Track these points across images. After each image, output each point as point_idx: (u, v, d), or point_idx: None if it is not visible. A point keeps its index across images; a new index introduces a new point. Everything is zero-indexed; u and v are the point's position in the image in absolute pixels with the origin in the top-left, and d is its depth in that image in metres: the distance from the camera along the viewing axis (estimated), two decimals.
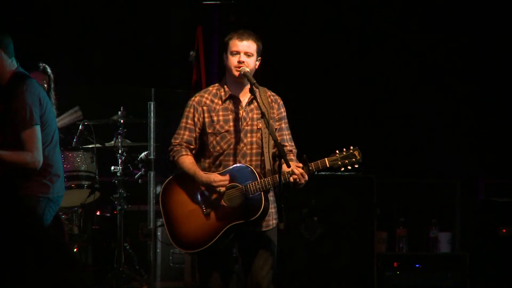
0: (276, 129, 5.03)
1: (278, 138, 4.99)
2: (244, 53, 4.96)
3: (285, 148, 5.01)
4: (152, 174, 6.91)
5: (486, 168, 7.90)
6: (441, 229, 7.69)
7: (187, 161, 4.96)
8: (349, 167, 4.92)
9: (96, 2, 8.00)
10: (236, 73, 4.95)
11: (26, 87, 5.05)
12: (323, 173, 7.35)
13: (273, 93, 5.09)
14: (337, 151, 4.93)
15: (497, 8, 7.90)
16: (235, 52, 4.96)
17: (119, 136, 7.08)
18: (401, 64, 8.13)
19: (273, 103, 5.05)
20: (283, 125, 5.08)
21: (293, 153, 5.07)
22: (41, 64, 6.34)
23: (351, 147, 4.94)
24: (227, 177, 4.88)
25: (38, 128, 5.05)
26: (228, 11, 7.82)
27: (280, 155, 4.73)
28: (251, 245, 4.97)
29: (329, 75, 8.14)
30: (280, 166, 4.74)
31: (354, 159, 4.91)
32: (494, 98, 8.02)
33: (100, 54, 8.03)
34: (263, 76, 7.49)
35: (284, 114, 5.09)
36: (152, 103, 7.08)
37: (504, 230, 7.50)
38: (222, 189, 4.87)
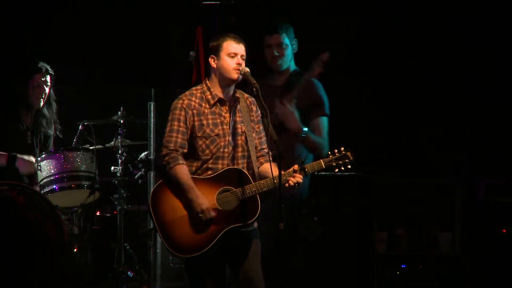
0: (256, 131, 5.06)
1: (257, 141, 5.07)
2: (241, 55, 5.00)
3: (263, 150, 5.10)
4: (152, 174, 6.92)
5: (486, 169, 7.90)
6: (441, 229, 7.69)
7: (184, 172, 4.93)
8: (343, 168, 5.07)
9: (97, 2, 8.00)
10: (236, 76, 4.98)
11: (317, 82, 5.78)
12: (323, 173, 7.34)
13: (250, 96, 5.13)
14: (330, 153, 5.05)
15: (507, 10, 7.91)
16: (233, 54, 4.98)
17: (119, 136, 7.08)
18: (401, 63, 8.13)
19: (252, 105, 5.10)
20: (261, 128, 5.14)
21: (270, 156, 5.10)
22: (41, 65, 6.35)
23: (342, 148, 5.08)
24: (215, 213, 4.88)
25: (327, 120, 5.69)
26: (228, 11, 7.81)
27: (280, 155, 4.76)
28: (237, 243, 5.00)
29: (328, 74, 8.13)
30: (279, 166, 4.77)
31: (347, 160, 5.05)
32: (494, 98, 8.02)
33: (100, 54, 8.03)
34: (263, 75, 7.50)
35: (260, 118, 5.13)
36: (152, 103, 7.08)
37: (504, 230, 7.50)
38: (202, 218, 4.87)
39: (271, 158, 5.01)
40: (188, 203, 4.91)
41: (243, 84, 5.11)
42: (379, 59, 8.16)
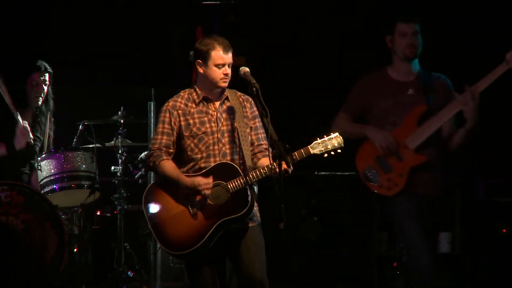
0: (251, 127, 5.08)
1: (254, 137, 5.08)
2: (228, 64, 5.03)
3: (261, 146, 5.09)
4: (152, 174, 6.92)
5: (486, 168, 7.90)
6: (441, 229, 7.69)
7: (168, 165, 4.98)
8: (332, 153, 4.99)
9: (97, 2, 8.00)
10: (224, 85, 5.04)
11: (446, 79, 5.78)
12: (323, 173, 7.36)
13: (243, 94, 5.14)
14: (319, 138, 5.00)
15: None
16: (221, 65, 5.01)
17: (119, 136, 7.08)
18: None
19: (245, 102, 5.11)
20: (257, 124, 5.13)
21: (268, 152, 5.07)
22: (40, 63, 6.35)
23: (331, 133, 5.00)
24: (210, 179, 4.91)
25: None
26: (228, 11, 7.82)
27: (280, 155, 4.76)
28: (239, 242, 4.99)
29: (328, 73, 8.14)
30: (280, 166, 4.76)
31: (336, 144, 4.98)
32: (494, 97, 8.01)
33: (101, 54, 8.03)
34: (263, 73, 7.50)
35: (257, 113, 5.13)
36: (152, 103, 7.09)
37: (504, 230, 7.50)
38: (207, 191, 4.90)
39: (271, 156, 5.00)
40: (181, 190, 4.94)
41: (243, 84, 5.11)
42: (379, 59, 8.15)
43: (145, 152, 7.12)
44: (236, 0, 7.71)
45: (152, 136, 6.84)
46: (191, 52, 7.04)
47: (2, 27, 7.79)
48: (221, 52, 5.01)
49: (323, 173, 7.34)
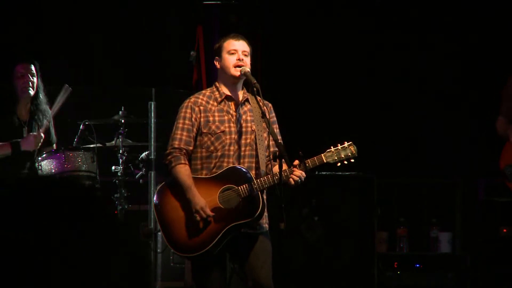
0: (268, 132, 5.05)
1: (271, 142, 5.03)
2: (242, 52, 4.98)
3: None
4: (152, 174, 6.92)
5: (487, 168, 7.89)
6: (442, 229, 7.69)
7: (184, 172, 4.92)
8: (345, 162, 4.98)
9: (97, 1, 8.00)
10: (237, 73, 4.96)
11: None
12: (324, 172, 7.35)
13: (262, 99, 5.06)
14: (332, 147, 4.97)
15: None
16: (232, 51, 4.98)
17: (120, 136, 7.07)
18: (402, 63, 8.13)
19: (264, 107, 5.03)
20: (275, 130, 5.07)
21: (270, 154, 5.05)
22: (22, 55, 6.34)
23: (346, 142, 4.99)
24: (211, 213, 4.87)
25: None
26: (228, 11, 7.82)
27: (281, 155, 4.74)
28: (246, 248, 4.96)
29: (330, 74, 8.14)
30: (280, 166, 4.75)
31: (350, 154, 4.97)
32: (494, 98, 8.02)
33: (100, 54, 8.03)
34: (264, 74, 7.51)
35: (275, 119, 5.11)
36: (152, 103, 7.08)
37: (504, 230, 7.49)
38: (197, 218, 4.87)
39: (271, 157, 4.99)
40: (188, 203, 4.92)
41: (244, 84, 5.10)
42: (380, 59, 8.17)
43: (146, 152, 7.12)
44: (237, 0, 7.71)
45: (151, 135, 6.97)
46: (192, 52, 7.07)
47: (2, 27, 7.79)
48: (232, 40, 5.00)
49: (324, 173, 7.33)
